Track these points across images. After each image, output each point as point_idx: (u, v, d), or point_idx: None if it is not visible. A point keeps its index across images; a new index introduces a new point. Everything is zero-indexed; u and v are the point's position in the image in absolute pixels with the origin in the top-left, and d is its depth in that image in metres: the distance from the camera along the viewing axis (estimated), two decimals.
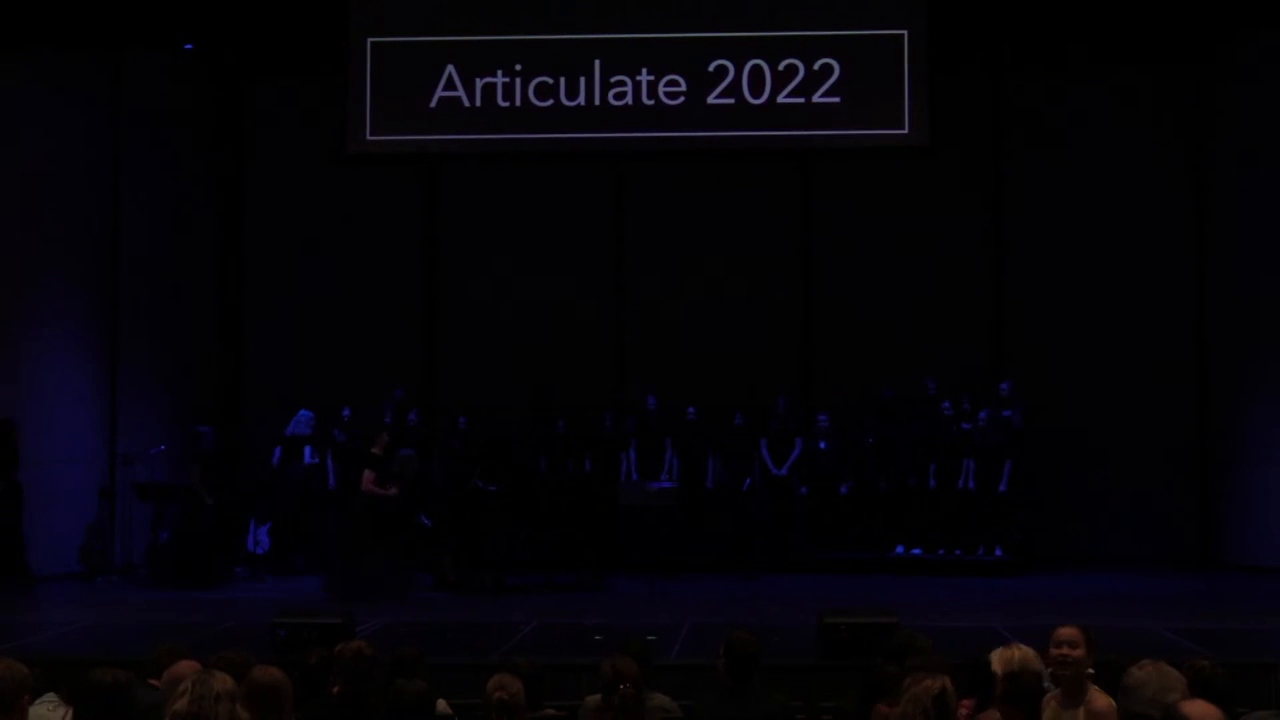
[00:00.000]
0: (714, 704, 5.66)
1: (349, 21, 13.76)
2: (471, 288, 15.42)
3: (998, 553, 13.34)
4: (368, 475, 12.06)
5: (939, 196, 14.93)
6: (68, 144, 13.80)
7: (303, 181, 15.31)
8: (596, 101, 13.58)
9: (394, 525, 12.03)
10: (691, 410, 13.94)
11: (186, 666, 4.92)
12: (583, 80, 13.58)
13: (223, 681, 4.05)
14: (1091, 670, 5.11)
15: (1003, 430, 13.38)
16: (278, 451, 13.72)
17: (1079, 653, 5.06)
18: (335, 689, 5.36)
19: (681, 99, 13.53)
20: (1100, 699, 4.93)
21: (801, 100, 13.44)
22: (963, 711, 5.05)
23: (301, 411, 13.77)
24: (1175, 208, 14.71)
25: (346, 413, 13.96)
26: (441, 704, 5.69)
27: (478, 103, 13.67)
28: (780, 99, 13.43)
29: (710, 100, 13.51)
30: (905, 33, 13.38)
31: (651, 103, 13.55)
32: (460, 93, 13.67)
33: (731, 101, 13.48)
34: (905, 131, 13.40)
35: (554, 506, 12.81)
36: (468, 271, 15.45)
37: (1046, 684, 4.99)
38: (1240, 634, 9.71)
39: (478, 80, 13.64)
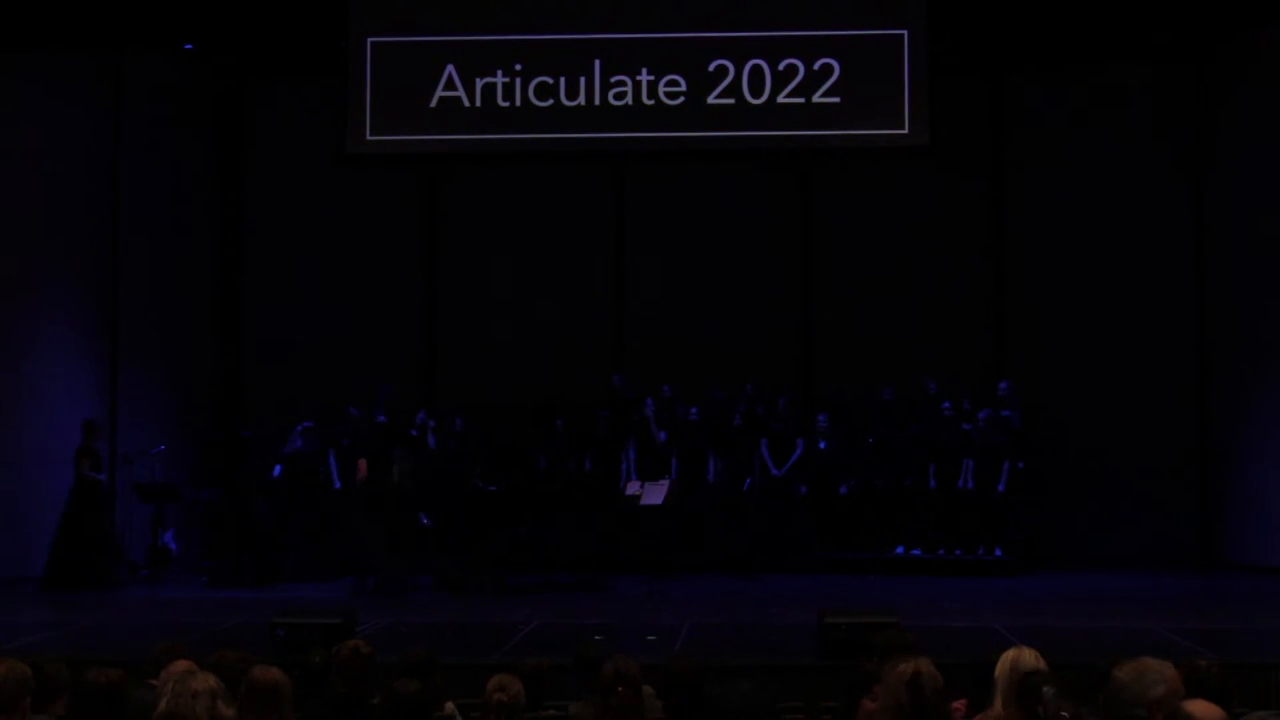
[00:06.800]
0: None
1: (349, 21, 13.74)
2: (471, 287, 15.43)
3: (998, 553, 13.33)
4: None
5: (939, 197, 14.94)
6: (68, 144, 13.80)
7: (303, 181, 15.30)
8: (596, 101, 13.57)
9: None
10: (694, 410, 13.94)
11: (184, 666, 4.92)
12: (583, 80, 13.57)
13: (204, 680, 4.06)
14: None
15: (1002, 430, 13.38)
16: (277, 470, 13.56)
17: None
18: (337, 689, 5.36)
19: (681, 99, 13.52)
20: None
21: (801, 100, 13.42)
22: (958, 713, 5.02)
23: (303, 424, 13.57)
24: (1175, 207, 14.71)
25: (355, 412, 13.94)
26: (449, 706, 5.67)
27: (478, 103, 13.65)
28: (780, 99, 13.41)
29: (710, 100, 13.49)
30: (905, 33, 13.36)
31: (651, 103, 13.53)
32: (460, 93, 13.65)
33: (731, 101, 13.46)
34: (905, 131, 13.38)
35: (554, 506, 12.80)
36: (467, 271, 15.46)
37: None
38: (1240, 634, 9.70)
39: (478, 80, 13.62)
